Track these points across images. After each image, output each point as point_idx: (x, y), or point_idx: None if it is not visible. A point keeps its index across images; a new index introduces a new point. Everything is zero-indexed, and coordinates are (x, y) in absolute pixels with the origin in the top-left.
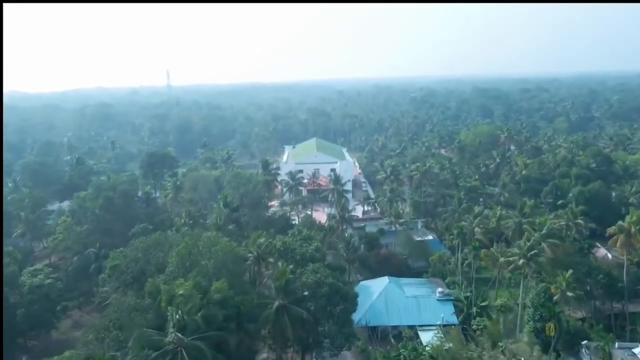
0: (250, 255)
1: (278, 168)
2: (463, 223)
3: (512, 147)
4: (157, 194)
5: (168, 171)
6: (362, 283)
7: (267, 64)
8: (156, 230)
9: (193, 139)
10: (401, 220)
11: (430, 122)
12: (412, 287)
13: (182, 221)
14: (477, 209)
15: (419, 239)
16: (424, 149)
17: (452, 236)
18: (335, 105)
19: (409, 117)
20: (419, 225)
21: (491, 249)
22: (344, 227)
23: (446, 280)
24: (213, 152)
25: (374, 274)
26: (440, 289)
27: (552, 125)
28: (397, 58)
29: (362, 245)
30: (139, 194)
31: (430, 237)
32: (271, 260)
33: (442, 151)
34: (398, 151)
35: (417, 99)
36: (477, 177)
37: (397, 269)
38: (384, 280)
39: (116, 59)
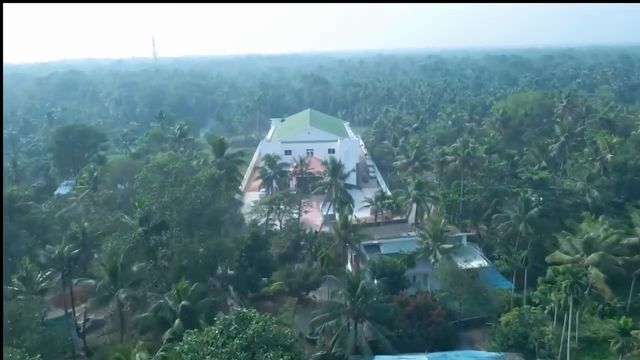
0: None
1: (241, 154)
2: (565, 257)
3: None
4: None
5: (91, 155)
6: None
7: (264, 34)
8: None
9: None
10: (446, 246)
11: (450, 91)
12: None
13: (55, 253)
14: (586, 229)
15: (468, 266)
16: (450, 122)
17: (552, 287)
18: (335, 75)
19: (423, 86)
20: (464, 240)
21: None
22: (346, 244)
23: None
24: (164, 128)
25: (397, 334)
26: None
27: (595, 95)
28: (397, 30)
29: (376, 281)
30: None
31: (485, 263)
32: None
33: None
34: (415, 125)
35: (428, 67)
36: (544, 164)
37: (440, 328)
38: None
39: (109, 30)
